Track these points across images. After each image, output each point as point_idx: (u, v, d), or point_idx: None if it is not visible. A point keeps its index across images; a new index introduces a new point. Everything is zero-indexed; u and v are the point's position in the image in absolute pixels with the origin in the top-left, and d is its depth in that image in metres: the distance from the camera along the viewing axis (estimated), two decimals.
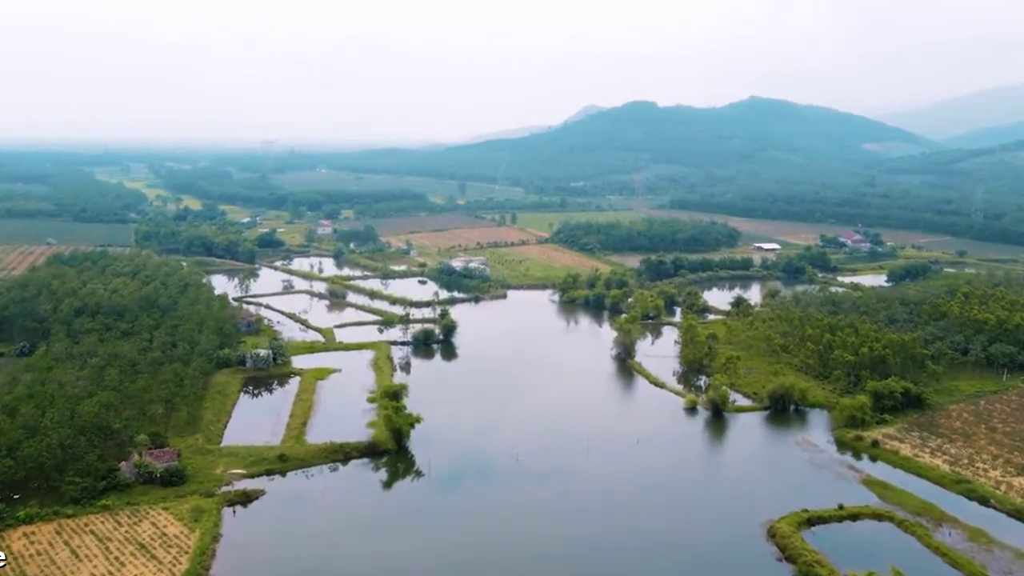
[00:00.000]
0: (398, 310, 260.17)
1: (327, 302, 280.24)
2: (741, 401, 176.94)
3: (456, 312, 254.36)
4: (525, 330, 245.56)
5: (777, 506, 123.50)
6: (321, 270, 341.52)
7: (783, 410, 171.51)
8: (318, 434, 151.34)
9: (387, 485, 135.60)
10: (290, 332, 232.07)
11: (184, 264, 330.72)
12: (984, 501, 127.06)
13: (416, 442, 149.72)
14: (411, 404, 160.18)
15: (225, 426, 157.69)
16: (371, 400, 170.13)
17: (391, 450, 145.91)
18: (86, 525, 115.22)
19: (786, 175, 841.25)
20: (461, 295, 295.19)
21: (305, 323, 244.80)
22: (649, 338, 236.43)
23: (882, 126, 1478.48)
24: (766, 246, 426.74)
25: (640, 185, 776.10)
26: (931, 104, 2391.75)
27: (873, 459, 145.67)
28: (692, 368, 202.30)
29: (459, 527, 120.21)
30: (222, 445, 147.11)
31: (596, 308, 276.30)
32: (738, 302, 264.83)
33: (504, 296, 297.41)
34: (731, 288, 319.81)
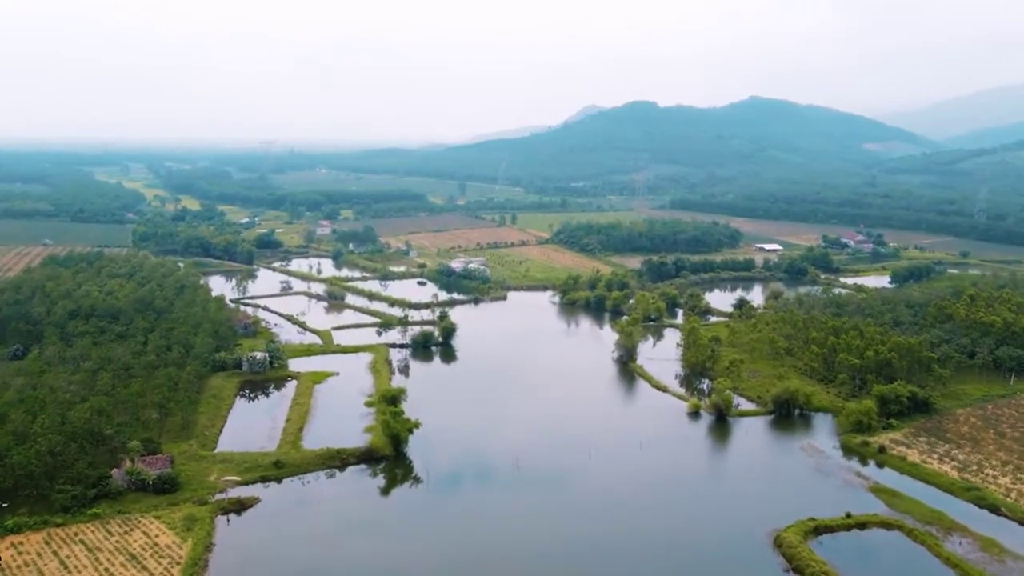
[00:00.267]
0: (397, 312, 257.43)
1: (325, 304, 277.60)
2: (745, 405, 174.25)
3: (456, 314, 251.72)
4: (525, 332, 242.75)
5: (783, 514, 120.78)
6: (320, 271, 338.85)
7: (788, 415, 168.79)
8: (315, 439, 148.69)
9: (385, 492, 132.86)
10: (288, 334, 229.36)
11: (181, 265, 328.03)
12: (995, 509, 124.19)
13: (415, 448, 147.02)
14: (410, 408, 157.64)
15: (220, 431, 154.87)
16: (369, 404, 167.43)
17: (389, 456, 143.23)
18: (76, 534, 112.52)
19: (787, 175, 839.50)
20: (461, 297, 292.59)
21: (303, 325, 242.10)
22: (651, 340, 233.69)
23: (882, 126, 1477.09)
24: (768, 247, 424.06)
25: (641, 185, 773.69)
26: (931, 104, 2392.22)
27: (880, 465, 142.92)
28: (695, 371, 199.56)
29: (458, 536, 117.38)
30: (217, 451, 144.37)
31: (597, 310, 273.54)
32: (741, 304, 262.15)
33: (504, 298, 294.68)
34: (733, 289, 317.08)
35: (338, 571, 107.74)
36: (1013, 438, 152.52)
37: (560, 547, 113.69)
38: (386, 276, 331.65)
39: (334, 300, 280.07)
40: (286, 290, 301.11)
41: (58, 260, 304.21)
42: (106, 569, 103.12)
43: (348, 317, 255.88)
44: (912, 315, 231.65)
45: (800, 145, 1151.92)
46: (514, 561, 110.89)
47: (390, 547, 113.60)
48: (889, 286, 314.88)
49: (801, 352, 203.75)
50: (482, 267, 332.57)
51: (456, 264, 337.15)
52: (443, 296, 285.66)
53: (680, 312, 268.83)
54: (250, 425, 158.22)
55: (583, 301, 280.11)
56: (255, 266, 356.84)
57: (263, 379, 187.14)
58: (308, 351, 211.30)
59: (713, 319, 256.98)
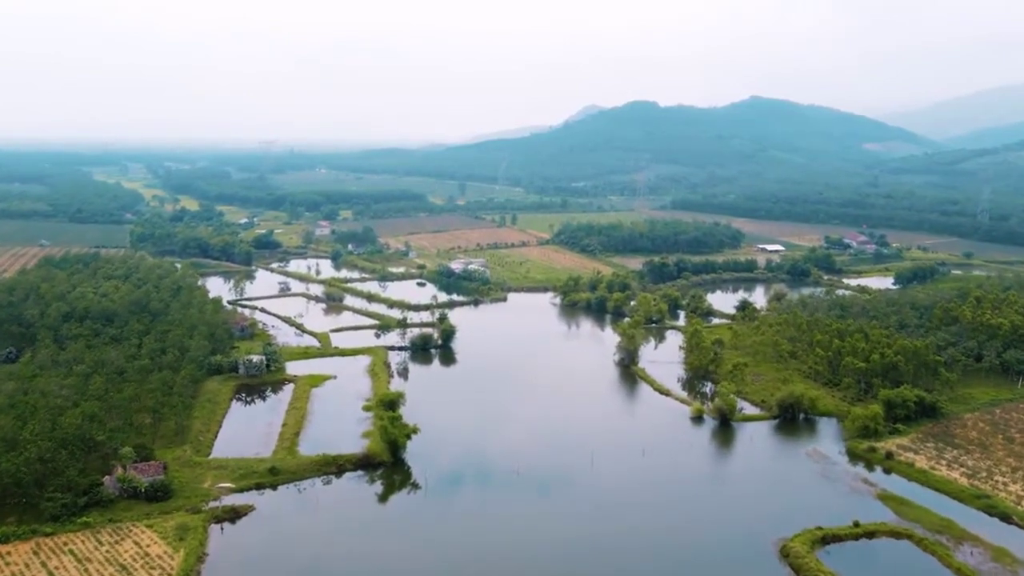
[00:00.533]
0: (396, 313, 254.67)
1: (324, 305, 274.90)
2: (749, 409, 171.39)
3: (455, 315, 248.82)
4: (526, 335, 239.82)
5: (789, 522, 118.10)
6: (318, 272, 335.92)
7: (792, 419, 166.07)
8: (311, 445, 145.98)
9: (382, 499, 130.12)
10: (285, 337, 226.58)
11: (179, 266, 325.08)
12: (1006, 517, 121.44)
13: (413, 453, 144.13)
14: (408, 412, 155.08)
15: (215, 436, 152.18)
16: (367, 409, 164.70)
17: (387, 462, 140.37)
18: (65, 544, 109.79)
19: (788, 175, 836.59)
20: (460, 298, 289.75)
21: (300, 327, 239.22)
22: (652, 343, 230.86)
23: (883, 126, 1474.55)
24: (770, 247, 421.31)
25: (641, 185, 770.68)
26: (932, 104, 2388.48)
27: (887, 471, 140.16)
28: (698, 375, 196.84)
29: (457, 543, 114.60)
30: (211, 457, 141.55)
31: (598, 311, 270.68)
32: (743, 306, 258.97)
33: (504, 299, 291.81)
34: (735, 290, 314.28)
35: None
36: (1022, 443, 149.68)
37: (561, 554, 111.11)
38: (385, 277, 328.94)
39: (332, 301, 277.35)
40: (284, 291, 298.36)
41: (54, 261, 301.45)
42: None
43: (346, 319, 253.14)
44: (918, 317, 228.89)
45: (801, 145, 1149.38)
46: (511, 566, 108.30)
47: (388, 555, 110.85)
48: (893, 287, 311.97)
49: (805, 355, 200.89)
50: (482, 268, 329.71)
51: (456, 265, 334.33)
52: (442, 297, 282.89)
53: (682, 314, 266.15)
54: (245, 430, 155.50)
55: (584, 303, 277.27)
56: (253, 267, 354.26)
57: (259, 383, 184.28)
58: (306, 354, 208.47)
59: (715, 321, 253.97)
